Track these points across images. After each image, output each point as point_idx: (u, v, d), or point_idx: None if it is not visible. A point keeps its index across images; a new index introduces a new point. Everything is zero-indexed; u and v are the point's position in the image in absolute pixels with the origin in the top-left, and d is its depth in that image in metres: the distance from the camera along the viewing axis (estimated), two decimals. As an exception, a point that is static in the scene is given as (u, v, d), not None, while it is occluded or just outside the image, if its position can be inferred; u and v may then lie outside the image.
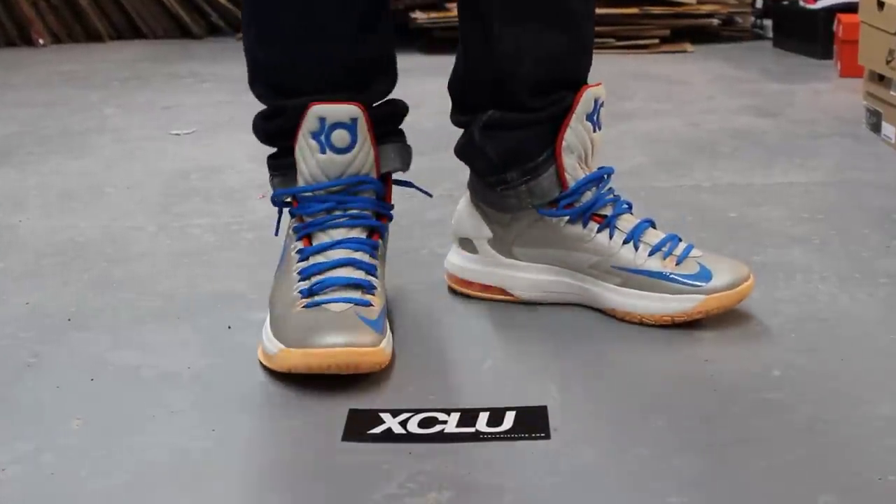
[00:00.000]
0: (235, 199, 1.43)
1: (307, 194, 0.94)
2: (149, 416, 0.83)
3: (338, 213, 0.94)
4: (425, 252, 1.19)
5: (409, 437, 0.79)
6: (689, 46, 2.66)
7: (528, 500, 0.71)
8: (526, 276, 1.03)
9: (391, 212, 0.99)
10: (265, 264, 1.14)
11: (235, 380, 0.88)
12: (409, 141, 1.03)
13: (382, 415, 0.82)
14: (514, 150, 1.00)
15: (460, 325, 1.00)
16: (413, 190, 1.04)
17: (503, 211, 1.03)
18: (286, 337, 0.87)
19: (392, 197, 0.99)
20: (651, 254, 0.98)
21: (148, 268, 1.17)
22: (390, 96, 1.01)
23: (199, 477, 0.75)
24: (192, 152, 1.71)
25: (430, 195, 1.07)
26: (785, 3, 2.62)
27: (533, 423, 0.80)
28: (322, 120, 0.93)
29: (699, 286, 0.96)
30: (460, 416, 0.81)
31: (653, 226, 1.02)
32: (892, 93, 1.62)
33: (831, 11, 2.37)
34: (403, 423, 0.81)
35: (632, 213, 1.02)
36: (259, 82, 0.99)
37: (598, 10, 2.63)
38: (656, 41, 2.67)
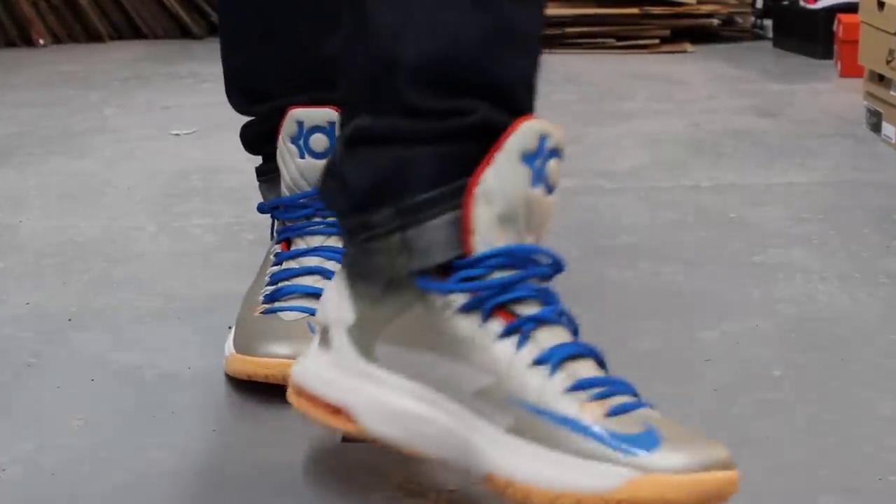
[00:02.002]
0: (236, 200, 1.43)
1: (288, 197, 0.93)
2: (149, 416, 0.83)
3: (317, 219, 0.93)
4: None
5: (410, 438, 0.78)
6: (689, 46, 2.66)
7: (529, 500, 0.71)
8: (378, 396, 0.67)
9: None
10: (265, 264, 1.15)
11: (235, 380, 0.88)
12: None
13: (383, 415, 0.81)
14: (387, 176, 0.66)
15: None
16: None
17: (369, 280, 0.68)
18: (237, 341, 0.88)
19: None
20: (571, 389, 0.63)
21: (148, 268, 1.17)
22: None
23: (199, 477, 0.75)
24: (192, 152, 1.71)
25: None
26: (785, 3, 2.62)
27: (533, 423, 0.79)
28: (300, 124, 0.91)
29: (632, 455, 0.59)
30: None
31: (599, 363, 0.66)
32: (892, 93, 1.62)
33: (831, 11, 2.37)
34: (404, 424, 0.80)
35: (569, 332, 0.66)
36: (232, 91, 0.99)
37: (599, 10, 2.67)
38: (656, 41, 2.66)
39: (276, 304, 0.89)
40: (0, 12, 3.09)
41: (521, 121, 0.64)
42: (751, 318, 0.99)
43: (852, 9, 2.10)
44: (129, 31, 3.18)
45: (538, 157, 0.65)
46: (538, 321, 0.64)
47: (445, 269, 0.65)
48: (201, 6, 3.16)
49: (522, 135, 0.64)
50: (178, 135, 1.84)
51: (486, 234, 0.64)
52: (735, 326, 0.97)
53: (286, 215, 0.94)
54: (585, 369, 0.64)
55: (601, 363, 0.66)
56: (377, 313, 0.67)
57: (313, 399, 0.69)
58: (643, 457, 0.59)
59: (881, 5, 1.65)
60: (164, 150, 1.74)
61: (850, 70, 2.14)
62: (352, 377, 0.68)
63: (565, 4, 2.73)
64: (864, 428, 0.79)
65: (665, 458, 0.59)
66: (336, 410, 0.68)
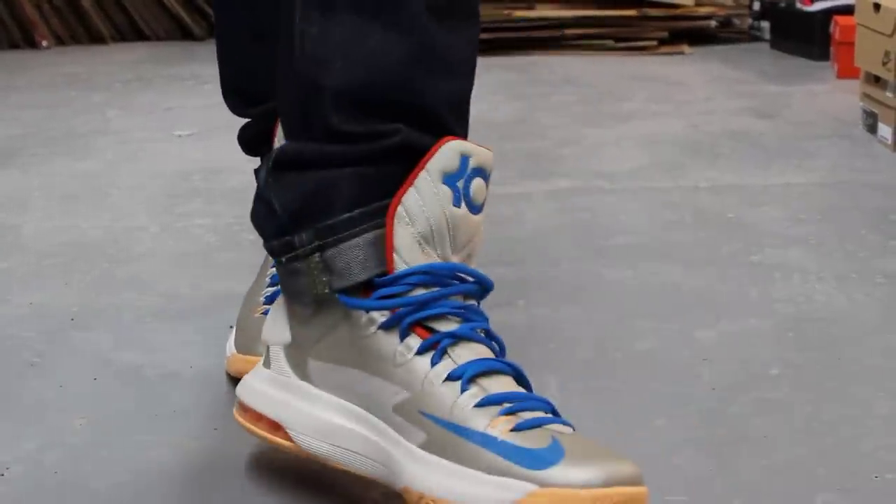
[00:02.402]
0: (237, 200, 1.43)
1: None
2: (151, 415, 0.84)
3: None
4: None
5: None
6: (686, 48, 2.67)
7: (528, 498, 0.71)
8: (310, 412, 0.69)
9: None
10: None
11: (237, 380, 0.88)
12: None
13: (383, 414, 0.82)
14: (310, 198, 0.68)
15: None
16: None
17: (299, 300, 0.70)
18: (239, 341, 0.88)
19: None
20: (480, 404, 0.63)
21: (150, 268, 1.18)
22: None
23: (200, 476, 0.75)
24: (194, 153, 1.71)
25: None
26: (782, 5, 2.63)
27: (532, 422, 0.79)
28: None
29: (534, 469, 0.59)
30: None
31: (518, 379, 0.66)
32: (888, 94, 1.63)
33: (828, 13, 2.37)
34: (404, 423, 0.80)
35: (489, 349, 0.66)
36: (228, 93, 0.99)
37: (597, 12, 2.68)
38: (654, 43, 2.67)
39: None
40: (3, 14, 3.09)
41: (442, 142, 0.66)
42: (748, 317, 1.00)
43: (849, 11, 2.10)
44: (132, 32, 3.19)
45: (460, 177, 0.66)
46: (455, 337, 0.65)
47: (368, 288, 0.66)
48: (203, 8, 3.16)
49: (443, 155, 0.65)
50: (179, 136, 1.84)
51: (407, 253, 0.66)
52: (733, 326, 0.98)
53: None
54: (499, 385, 0.64)
55: (520, 380, 0.66)
56: (308, 332, 0.69)
57: (256, 416, 0.72)
58: (544, 471, 0.59)
59: (877, 7, 1.66)
60: (166, 151, 1.74)
61: (847, 71, 2.15)
62: (287, 394, 0.70)
63: (564, 6, 2.73)
64: (861, 427, 0.79)
65: (566, 473, 0.59)
66: (276, 427, 0.70)
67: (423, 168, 0.65)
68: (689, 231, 1.24)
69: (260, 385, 0.72)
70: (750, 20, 2.90)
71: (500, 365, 0.66)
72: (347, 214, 0.66)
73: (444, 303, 0.66)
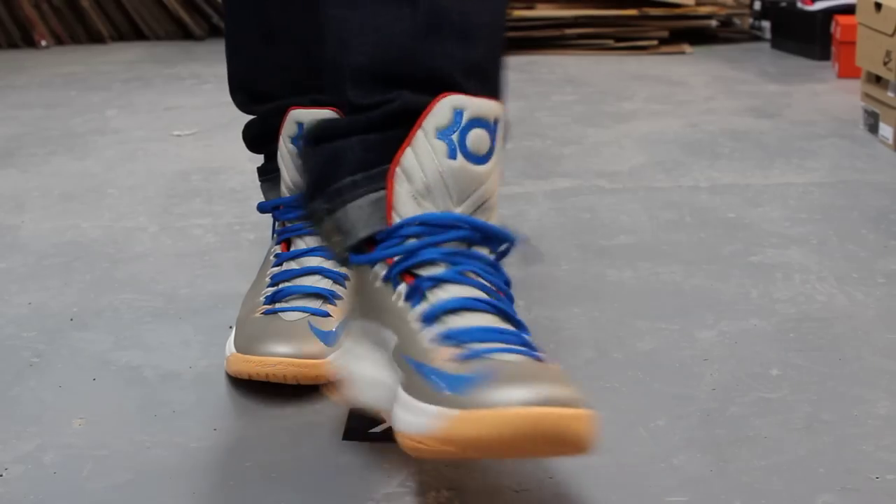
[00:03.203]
0: (237, 200, 1.43)
1: (288, 197, 0.94)
2: (150, 415, 0.84)
3: None
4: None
5: (410, 437, 0.79)
6: (687, 48, 2.67)
7: (528, 499, 0.71)
8: (354, 369, 0.73)
9: None
10: (266, 265, 1.15)
11: (236, 380, 0.88)
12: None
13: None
14: (321, 168, 0.73)
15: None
16: None
17: (339, 264, 0.79)
18: (239, 342, 0.88)
19: None
20: (434, 340, 0.65)
21: (149, 268, 1.18)
22: None
23: (200, 476, 0.75)
24: (193, 153, 1.71)
25: None
26: (783, 4, 2.63)
27: (532, 422, 0.80)
28: (300, 125, 0.91)
29: (460, 394, 0.60)
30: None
31: (503, 316, 0.66)
32: (889, 94, 1.63)
33: (829, 13, 2.38)
34: (404, 423, 0.81)
35: (477, 289, 0.67)
36: (235, 90, 1.00)
37: (597, 12, 2.68)
38: (655, 42, 2.67)
39: (278, 305, 0.89)
40: (2, 14, 3.09)
41: (437, 99, 0.68)
42: (749, 317, 1.00)
43: (850, 10, 2.10)
44: (131, 32, 3.19)
45: (453, 130, 0.68)
46: (437, 281, 0.67)
47: (372, 245, 0.70)
48: (202, 8, 3.16)
49: (437, 112, 0.68)
50: (179, 136, 1.84)
51: (404, 209, 0.69)
52: (733, 326, 0.98)
53: (286, 216, 0.95)
54: (468, 321, 0.66)
55: (504, 316, 0.67)
56: (352, 297, 0.76)
57: (340, 383, 0.75)
58: (468, 395, 0.60)
59: (878, 7, 1.66)
60: (166, 150, 1.74)
61: (848, 71, 2.15)
62: (343, 354, 0.75)
63: (564, 6, 2.73)
64: (861, 427, 0.79)
65: (489, 395, 0.59)
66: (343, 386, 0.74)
67: (419, 127, 0.68)
68: (690, 231, 1.24)
69: (341, 356, 0.75)
70: (751, 20, 2.91)
71: (474, 303, 0.66)
72: (351, 178, 0.70)
73: (433, 250, 0.68)
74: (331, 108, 0.92)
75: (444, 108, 0.68)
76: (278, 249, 0.94)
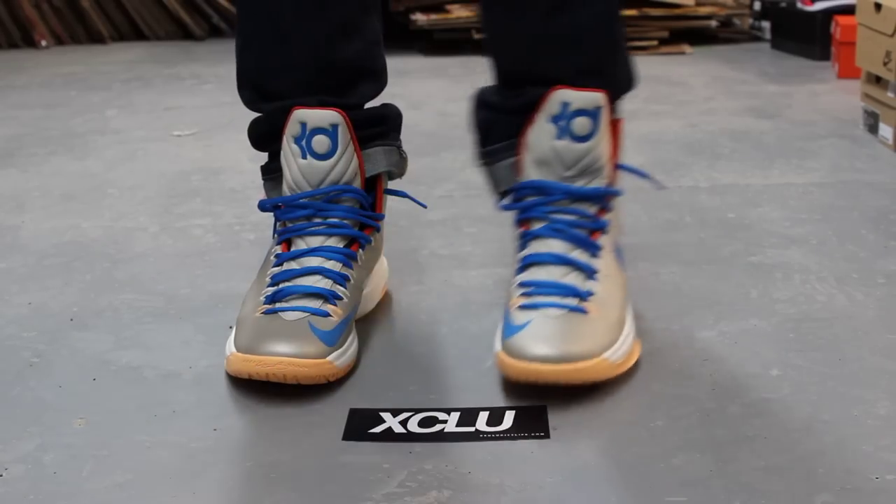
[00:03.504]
0: (237, 200, 1.43)
1: (290, 196, 0.95)
2: (150, 415, 0.84)
3: (317, 220, 0.94)
4: (426, 252, 1.20)
5: (410, 437, 0.79)
6: (687, 48, 2.67)
7: (528, 499, 0.71)
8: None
9: (379, 222, 0.99)
10: (266, 265, 1.15)
11: (236, 380, 0.88)
12: (410, 142, 1.03)
13: (383, 414, 0.82)
14: (483, 128, 0.98)
15: (460, 325, 1.01)
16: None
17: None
18: (239, 341, 0.88)
19: (386, 201, 1.00)
20: (519, 286, 0.89)
21: (150, 268, 1.18)
22: (385, 101, 1.02)
23: (200, 476, 0.75)
24: (193, 153, 1.71)
25: (425, 206, 1.07)
26: (783, 4, 2.63)
27: (532, 422, 0.81)
28: (303, 125, 0.93)
29: (505, 337, 0.86)
30: (460, 415, 0.82)
31: (576, 268, 0.89)
32: (889, 94, 1.63)
33: (829, 13, 2.38)
34: (404, 423, 0.81)
35: (564, 244, 0.90)
36: (244, 87, 1.01)
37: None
38: (655, 43, 2.67)
39: (278, 305, 0.89)
40: (2, 14, 3.09)
41: (549, 93, 0.89)
42: (749, 318, 1.00)
43: (849, 11, 2.10)
44: (131, 32, 3.19)
45: (562, 118, 0.90)
46: (534, 235, 0.91)
47: (507, 195, 0.95)
48: (203, 8, 3.16)
49: (549, 103, 0.90)
50: (179, 136, 1.84)
51: (528, 172, 0.92)
52: (733, 326, 0.98)
53: (287, 215, 0.95)
54: (542, 274, 0.89)
55: (576, 267, 0.89)
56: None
57: None
58: (509, 342, 0.84)
59: (878, 7, 1.66)
60: (166, 150, 1.74)
61: (848, 71, 2.15)
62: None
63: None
64: (861, 427, 0.79)
65: (520, 348, 0.83)
66: None
67: (536, 112, 0.90)
68: (690, 231, 1.24)
69: None
70: (751, 20, 2.91)
71: (548, 257, 0.89)
72: (499, 144, 0.95)
73: (537, 209, 0.91)
74: (336, 109, 0.92)
75: (555, 100, 0.89)
76: (279, 249, 0.94)
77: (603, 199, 0.92)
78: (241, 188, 1.48)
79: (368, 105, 1.01)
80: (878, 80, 1.68)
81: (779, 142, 1.70)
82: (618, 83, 0.96)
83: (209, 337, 0.98)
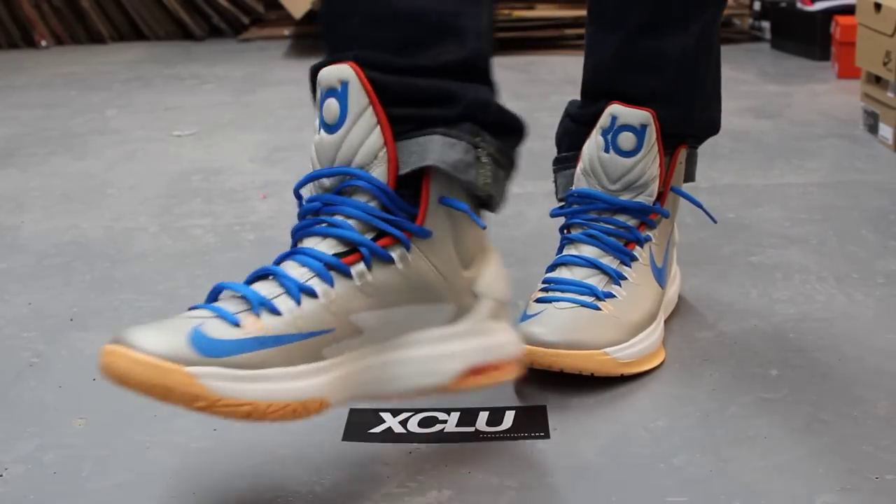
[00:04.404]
0: (237, 200, 1.43)
1: (304, 188, 0.74)
2: (150, 415, 0.84)
3: (323, 216, 0.71)
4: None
5: (410, 437, 0.79)
6: (688, 48, 2.66)
7: (528, 499, 0.71)
8: None
9: (410, 235, 0.71)
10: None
11: (237, 379, 0.88)
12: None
13: (382, 414, 0.82)
14: (562, 137, 1.00)
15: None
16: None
17: None
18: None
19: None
20: (544, 281, 0.92)
21: (149, 268, 1.18)
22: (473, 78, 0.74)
23: (200, 477, 0.75)
24: (193, 153, 1.71)
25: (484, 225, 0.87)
26: (783, 4, 2.63)
27: (532, 422, 0.81)
28: (319, 89, 0.72)
29: (518, 322, 0.87)
30: (460, 415, 0.82)
31: (601, 270, 0.91)
32: (889, 94, 1.63)
33: (829, 13, 2.38)
34: (403, 423, 0.81)
35: (595, 249, 0.92)
36: (323, 39, 0.77)
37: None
38: (655, 43, 2.67)
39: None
40: (2, 14, 3.09)
41: (605, 107, 0.93)
42: (749, 318, 1.00)
43: (849, 11, 2.10)
44: (131, 32, 3.19)
45: (609, 131, 0.93)
46: (569, 241, 0.94)
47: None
48: (203, 8, 3.16)
49: (603, 117, 0.93)
50: (179, 136, 1.84)
51: (578, 182, 0.95)
52: (733, 326, 0.98)
53: (301, 209, 0.75)
54: (565, 273, 0.91)
55: (600, 270, 0.91)
56: None
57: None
58: (519, 326, 0.86)
59: (878, 7, 1.66)
60: (166, 150, 1.74)
61: (848, 72, 2.15)
62: None
63: (565, 6, 2.73)
64: (861, 427, 0.79)
65: (525, 331, 0.85)
66: None
67: (595, 126, 0.94)
68: (690, 231, 1.24)
69: None
70: (750, 20, 2.91)
71: (577, 260, 0.91)
72: (565, 154, 0.98)
73: (577, 216, 0.94)
74: (350, 62, 0.70)
75: (607, 115, 0.92)
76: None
77: (645, 214, 0.93)
78: (241, 188, 1.48)
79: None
80: (877, 80, 1.68)
81: (779, 142, 1.70)
82: (692, 119, 0.98)
83: (209, 337, 0.98)
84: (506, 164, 0.76)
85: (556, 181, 0.99)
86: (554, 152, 1.00)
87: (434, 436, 0.79)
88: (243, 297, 0.68)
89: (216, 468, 0.76)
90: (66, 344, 0.98)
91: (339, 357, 0.69)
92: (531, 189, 1.39)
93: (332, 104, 0.70)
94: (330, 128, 0.70)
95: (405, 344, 0.73)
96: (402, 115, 0.70)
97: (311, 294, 0.68)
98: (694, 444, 0.77)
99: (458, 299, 0.75)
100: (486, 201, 0.75)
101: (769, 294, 1.05)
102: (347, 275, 0.69)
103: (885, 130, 1.64)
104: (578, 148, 0.96)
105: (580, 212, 0.94)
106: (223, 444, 0.79)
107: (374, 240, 0.70)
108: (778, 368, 0.89)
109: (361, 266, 0.70)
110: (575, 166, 0.96)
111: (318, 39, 3.10)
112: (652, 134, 0.92)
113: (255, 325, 0.66)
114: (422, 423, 0.81)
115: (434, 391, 0.74)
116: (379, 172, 0.70)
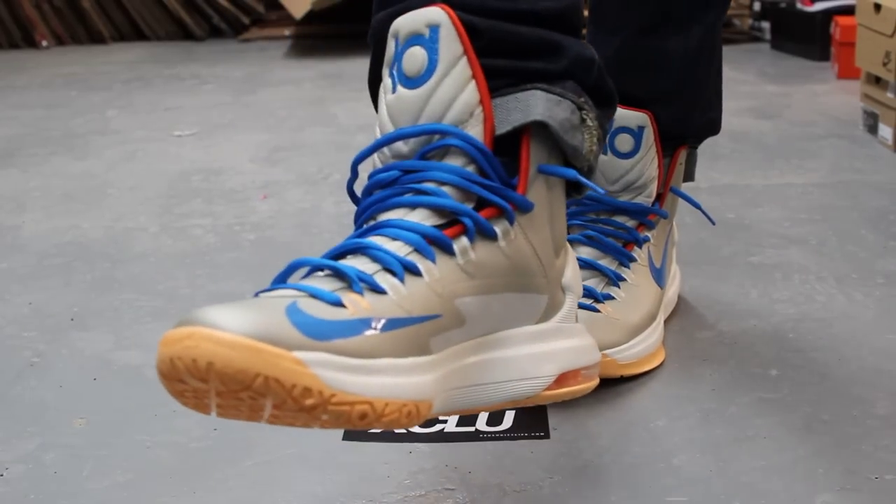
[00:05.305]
0: (237, 200, 1.43)
1: (366, 160, 0.62)
2: (151, 415, 0.84)
3: (408, 185, 0.59)
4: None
5: (410, 437, 0.79)
6: (688, 48, 2.66)
7: (528, 499, 0.71)
8: None
9: (516, 209, 0.60)
10: (266, 265, 1.15)
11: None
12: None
13: (383, 414, 0.82)
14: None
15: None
16: None
17: None
18: None
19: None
20: None
21: (150, 268, 1.18)
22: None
23: (200, 476, 0.75)
24: (193, 153, 1.72)
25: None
26: (782, 5, 2.63)
27: (532, 422, 0.81)
28: (396, 39, 0.61)
29: None
30: (460, 415, 0.82)
31: (600, 272, 0.91)
32: (888, 94, 1.63)
33: (828, 14, 2.38)
34: (404, 423, 0.81)
35: (594, 250, 0.92)
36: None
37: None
38: (656, 43, 2.67)
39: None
40: (3, 14, 3.09)
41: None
42: (748, 318, 1.00)
43: (849, 11, 2.11)
44: (132, 33, 3.19)
45: (608, 132, 0.81)
46: (571, 241, 0.90)
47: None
48: (203, 8, 3.16)
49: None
50: (179, 136, 1.84)
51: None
52: (733, 326, 0.98)
53: (368, 185, 0.63)
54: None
55: (600, 272, 0.91)
56: None
57: None
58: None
59: (878, 8, 1.66)
60: (166, 151, 1.74)
61: (847, 72, 2.15)
62: None
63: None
64: (861, 427, 0.79)
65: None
66: None
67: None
68: (690, 231, 1.24)
69: None
70: (750, 20, 2.91)
71: (581, 263, 0.89)
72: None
73: (578, 218, 0.92)
74: (440, 4, 0.60)
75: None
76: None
77: (643, 215, 0.93)
78: (242, 188, 1.49)
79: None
80: (877, 81, 1.68)
81: (778, 142, 1.70)
82: (693, 120, 0.97)
83: (209, 337, 0.98)
84: (601, 136, 0.65)
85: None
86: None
87: (434, 436, 0.79)
88: (336, 274, 0.54)
89: (216, 468, 0.76)
90: (67, 344, 0.98)
91: (444, 352, 0.56)
92: (531, 189, 1.39)
93: (416, 53, 0.59)
94: (412, 81, 0.59)
95: (501, 341, 0.61)
96: (499, 68, 0.60)
97: (415, 271, 0.56)
98: (694, 443, 0.77)
99: (551, 290, 0.64)
100: (583, 174, 0.64)
101: (769, 294, 1.05)
102: (450, 251, 0.57)
103: (884, 131, 1.64)
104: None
105: (578, 213, 0.94)
106: (223, 444, 0.79)
107: (473, 208, 0.59)
108: (778, 368, 0.89)
109: (465, 241, 0.58)
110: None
111: (318, 39, 3.11)
112: (650, 135, 0.92)
113: (360, 305, 0.52)
114: (422, 423, 0.81)
115: (527, 400, 0.62)
116: (474, 130, 0.59)
